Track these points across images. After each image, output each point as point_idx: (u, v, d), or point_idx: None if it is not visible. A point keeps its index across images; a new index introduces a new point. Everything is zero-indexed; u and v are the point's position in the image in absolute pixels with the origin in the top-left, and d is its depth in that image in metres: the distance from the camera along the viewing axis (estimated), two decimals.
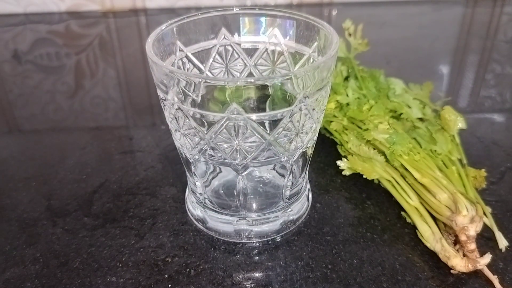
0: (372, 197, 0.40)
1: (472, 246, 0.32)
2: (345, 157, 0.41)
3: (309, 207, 0.39)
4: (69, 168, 0.45)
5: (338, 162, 0.41)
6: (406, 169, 0.38)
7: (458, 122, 0.42)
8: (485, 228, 0.35)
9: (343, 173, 0.41)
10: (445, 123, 0.42)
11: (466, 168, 0.40)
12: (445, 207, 0.34)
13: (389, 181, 0.39)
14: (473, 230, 0.32)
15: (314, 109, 0.31)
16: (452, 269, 0.33)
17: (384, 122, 0.42)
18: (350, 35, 0.49)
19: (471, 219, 0.32)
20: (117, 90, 0.60)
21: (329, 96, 0.42)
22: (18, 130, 0.53)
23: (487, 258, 0.32)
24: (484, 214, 0.35)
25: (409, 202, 0.37)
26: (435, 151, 0.39)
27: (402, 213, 0.38)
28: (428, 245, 0.34)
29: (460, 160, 0.40)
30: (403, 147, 0.38)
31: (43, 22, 0.79)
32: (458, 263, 0.32)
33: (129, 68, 0.67)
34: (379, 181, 0.41)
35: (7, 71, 0.65)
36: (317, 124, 0.33)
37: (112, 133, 0.50)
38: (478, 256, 0.32)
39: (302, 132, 0.32)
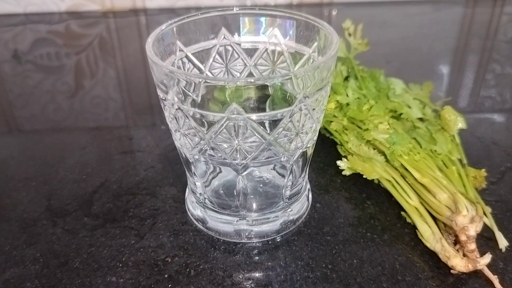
0: (372, 197, 0.40)
1: (472, 246, 0.32)
2: (345, 157, 0.41)
3: (309, 207, 0.39)
4: (69, 168, 0.45)
5: (338, 162, 0.41)
6: (406, 169, 0.38)
7: (458, 122, 0.42)
8: (485, 228, 0.35)
9: (343, 173, 0.41)
10: (445, 123, 0.42)
11: (466, 168, 0.40)
12: (445, 207, 0.34)
13: (389, 181, 0.39)
14: (473, 230, 0.32)
15: (314, 109, 0.31)
16: (452, 269, 0.33)
17: (384, 122, 0.42)
18: (350, 35, 0.49)
19: (471, 219, 0.32)
20: (117, 90, 0.60)
21: (329, 96, 0.42)
22: (18, 130, 0.53)
23: (487, 258, 0.32)
24: (484, 214, 0.35)
25: (409, 202, 0.37)
26: (435, 151, 0.39)
27: (402, 213, 0.38)
28: (428, 245, 0.34)
29: (460, 160, 0.40)
30: (403, 147, 0.38)
31: (43, 22, 0.79)
32: (458, 263, 0.32)
33: (129, 68, 0.67)
34: (379, 181, 0.41)
35: (7, 71, 0.65)
36: (317, 124, 0.33)
37: (112, 133, 0.50)
38: (478, 256, 0.32)
39: (302, 132, 0.32)
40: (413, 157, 0.38)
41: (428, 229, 0.35)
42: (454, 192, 0.35)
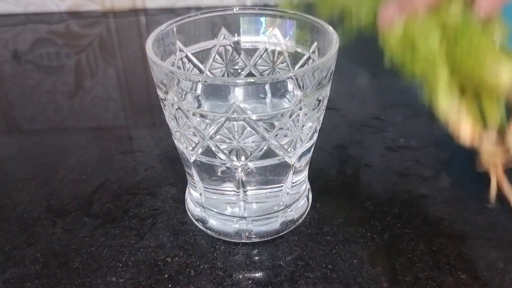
0: (372, 197, 0.40)
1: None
2: None
3: (309, 207, 0.39)
4: (69, 168, 0.45)
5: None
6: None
7: None
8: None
9: None
10: None
11: None
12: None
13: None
14: None
15: (314, 109, 0.31)
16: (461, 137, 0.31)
17: None
18: None
19: None
20: (117, 90, 0.60)
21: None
22: (18, 130, 0.53)
23: None
24: None
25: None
26: None
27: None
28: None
29: None
30: None
31: (43, 22, 0.79)
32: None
33: (129, 68, 0.67)
34: (379, 181, 0.41)
35: (7, 71, 0.65)
36: (317, 124, 0.33)
37: (112, 133, 0.50)
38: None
39: (302, 132, 0.32)
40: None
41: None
42: None
